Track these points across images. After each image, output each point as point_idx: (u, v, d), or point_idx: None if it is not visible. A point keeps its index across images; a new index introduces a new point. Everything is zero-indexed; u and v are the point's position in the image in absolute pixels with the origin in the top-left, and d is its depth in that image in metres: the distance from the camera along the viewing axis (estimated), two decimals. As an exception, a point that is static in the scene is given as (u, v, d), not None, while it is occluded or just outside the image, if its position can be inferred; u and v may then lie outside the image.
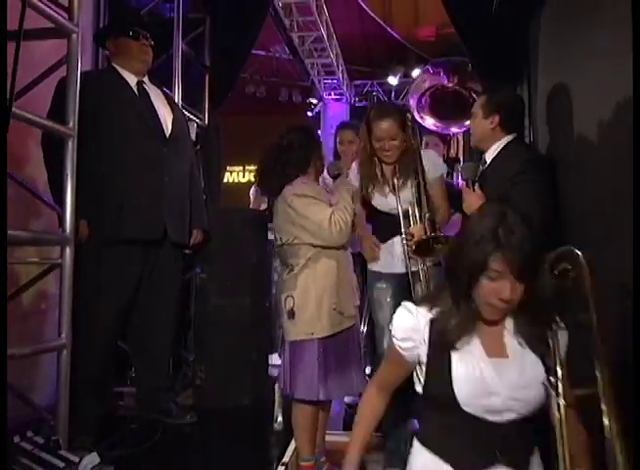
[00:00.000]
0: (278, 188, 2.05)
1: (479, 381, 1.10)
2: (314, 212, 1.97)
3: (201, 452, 2.11)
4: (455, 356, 1.13)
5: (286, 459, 2.14)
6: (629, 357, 1.36)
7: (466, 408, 1.11)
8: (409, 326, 1.18)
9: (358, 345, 2.12)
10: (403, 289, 2.06)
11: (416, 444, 1.20)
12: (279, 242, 2.08)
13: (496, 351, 1.13)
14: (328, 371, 1.95)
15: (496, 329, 1.16)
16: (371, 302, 2.20)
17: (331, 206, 2.02)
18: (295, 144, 2.08)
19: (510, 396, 1.10)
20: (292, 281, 2.01)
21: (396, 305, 1.28)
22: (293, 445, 2.27)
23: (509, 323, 1.17)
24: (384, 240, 2.15)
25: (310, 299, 1.97)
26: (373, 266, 2.18)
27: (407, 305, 1.23)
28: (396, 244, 2.09)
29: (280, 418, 2.52)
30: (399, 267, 2.09)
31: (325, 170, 2.24)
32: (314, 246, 1.99)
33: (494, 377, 1.11)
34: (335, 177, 2.21)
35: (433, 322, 1.16)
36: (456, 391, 1.10)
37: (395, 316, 1.23)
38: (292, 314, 1.99)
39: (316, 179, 2.15)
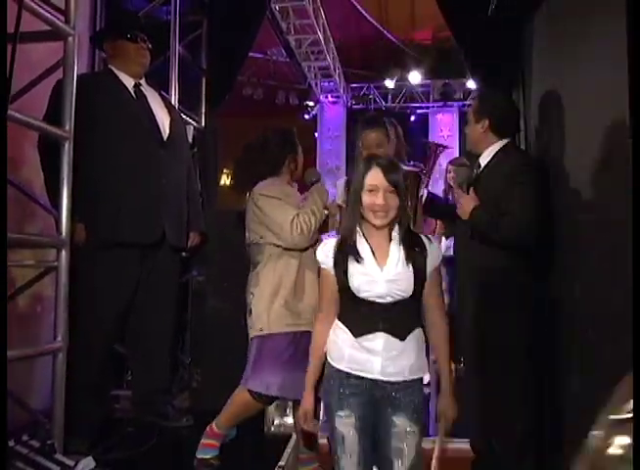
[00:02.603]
0: (249, 185, 2.07)
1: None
2: (277, 214, 1.98)
3: (197, 456, 2.10)
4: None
5: (282, 463, 2.14)
6: (629, 358, 1.36)
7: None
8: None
9: None
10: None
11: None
12: (247, 241, 2.11)
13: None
14: (283, 367, 1.94)
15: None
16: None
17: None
18: (270, 143, 2.11)
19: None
20: (254, 278, 2.05)
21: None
22: (290, 447, 2.27)
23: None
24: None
25: (264, 294, 1.99)
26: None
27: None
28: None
29: (277, 421, 2.52)
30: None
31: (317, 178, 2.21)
32: (277, 245, 2.01)
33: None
34: (312, 184, 2.17)
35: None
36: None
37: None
38: (250, 311, 2.03)
39: (290, 182, 2.15)
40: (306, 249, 2.03)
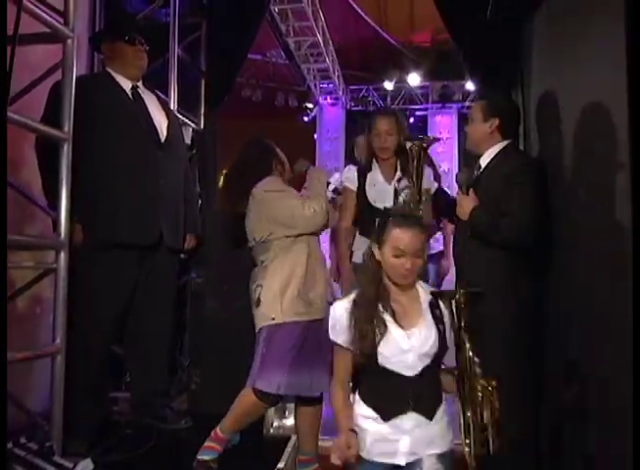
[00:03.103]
0: (242, 201, 2.08)
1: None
2: (285, 203, 2.01)
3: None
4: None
5: (282, 464, 2.13)
6: (629, 358, 1.36)
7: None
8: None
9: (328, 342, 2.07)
10: None
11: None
12: (252, 242, 2.10)
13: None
14: (292, 363, 1.94)
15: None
16: None
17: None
18: (248, 158, 2.14)
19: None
20: (262, 272, 2.05)
21: None
22: (289, 449, 2.26)
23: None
24: None
25: (275, 284, 1.99)
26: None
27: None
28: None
29: (276, 423, 2.52)
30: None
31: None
32: (287, 237, 2.01)
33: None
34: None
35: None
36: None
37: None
38: (258, 302, 2.02)
39: (284, 182, 2.16)
40: (313, 238, 2.05)
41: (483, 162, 2.13)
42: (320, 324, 1.98)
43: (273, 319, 1.97)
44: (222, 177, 2.26)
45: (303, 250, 2.01)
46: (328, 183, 2.19)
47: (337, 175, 2.68)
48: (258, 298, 2.02)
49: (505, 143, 2.11)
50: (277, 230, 2.01)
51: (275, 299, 1.97)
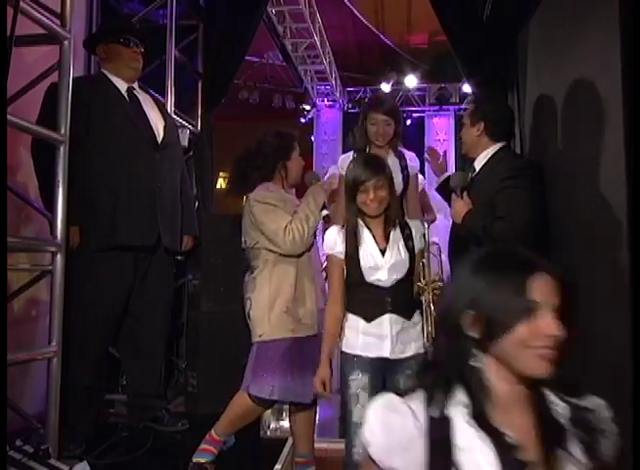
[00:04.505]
0: (243, 190, 2.07)
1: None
2: (270, 220, 1.98)
3: (193, 460, 2.09)
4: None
5: (279, 466, 2.13)
6: (629, 358, 1.37)
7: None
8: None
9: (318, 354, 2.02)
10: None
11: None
12: (244, 245, 2.11)
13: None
14: (283, 371, 1.94)
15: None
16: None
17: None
18: (263, 149, 2.09)
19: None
20: (251, 283, 2.05)
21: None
22: (285, 451, 2.26)
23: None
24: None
25: (263, 300, 1.99)
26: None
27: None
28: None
29: (273, 425, 2.51)
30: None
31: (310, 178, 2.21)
32: (273, 251, 2.00)
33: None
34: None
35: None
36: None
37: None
38: (248, 316, 2.03)
39: (285, 187, 2.14)
40: (302, 254, 2.03)
41: (478, 165, 2.14)
42: (310, 340, 1.99)
43: (261, 336, 1.97)
44: (231, 168, 2.18)
45: (291, 265, 2.01)
46: (324, 206, 2.10)
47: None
48: (248, 312, 2.03)
49: (499, 146, 2.11)
50: (262, 241, 2.02)
51: (263, 315, 1.98)
